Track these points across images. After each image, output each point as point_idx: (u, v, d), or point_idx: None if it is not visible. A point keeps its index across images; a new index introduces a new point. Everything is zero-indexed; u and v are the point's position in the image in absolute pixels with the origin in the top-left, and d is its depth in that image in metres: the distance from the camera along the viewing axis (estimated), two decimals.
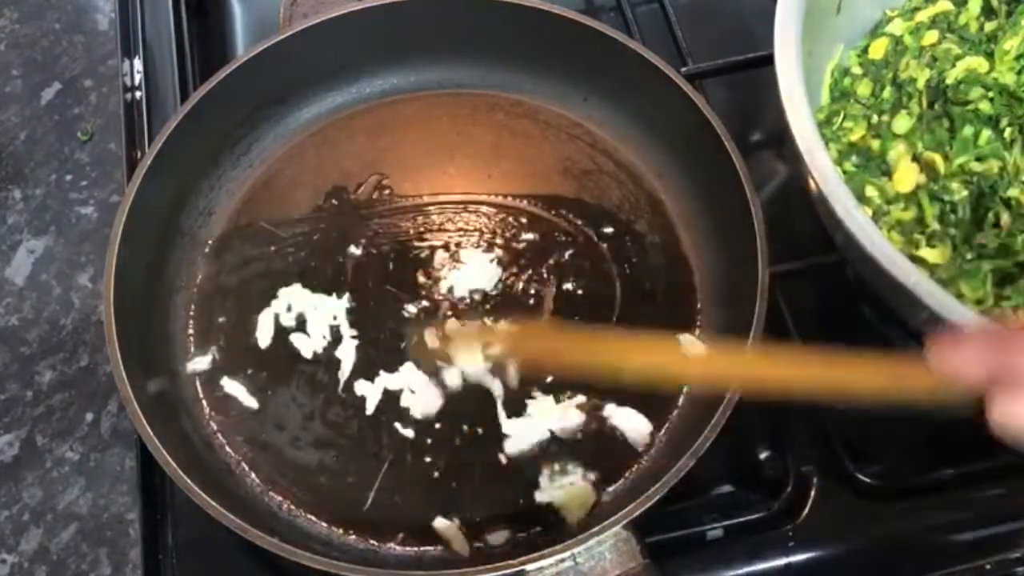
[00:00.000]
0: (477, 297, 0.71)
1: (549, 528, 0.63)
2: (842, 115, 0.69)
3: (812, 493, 0.66)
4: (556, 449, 0.66)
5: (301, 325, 0.71)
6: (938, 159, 0.65)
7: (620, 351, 0.56)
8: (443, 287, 0.72)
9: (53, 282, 0.92)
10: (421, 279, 0.72)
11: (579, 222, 0.74)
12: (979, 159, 0.65)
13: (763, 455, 0.68)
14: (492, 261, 0.72)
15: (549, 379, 0.68)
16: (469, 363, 0.68)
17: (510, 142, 0.78)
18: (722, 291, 0.70)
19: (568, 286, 0.72)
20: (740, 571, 0.65)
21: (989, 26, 0.71)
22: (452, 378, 0.68)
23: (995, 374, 0.36)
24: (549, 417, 0.67)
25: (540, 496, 0.64)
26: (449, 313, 0.71)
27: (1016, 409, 0.35)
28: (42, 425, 0.85)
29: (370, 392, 0.68)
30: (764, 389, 0.51)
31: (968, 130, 0.66)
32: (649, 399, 0.67)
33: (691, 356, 0.57)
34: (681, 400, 0.68)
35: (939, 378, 0.38)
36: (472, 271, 0.72)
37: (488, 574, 0.55)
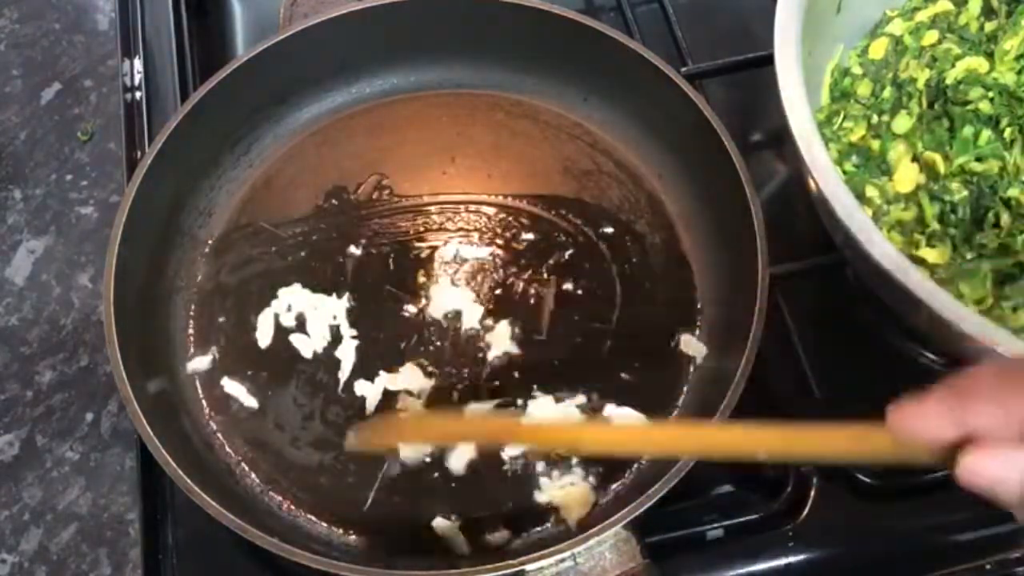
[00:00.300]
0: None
1: (549, 528, 0.64)
2: (842, 115, 0.70)
3: (812, 493, 0.66)
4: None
5: (301, 325, 0.71)
6: (938, 159, 0.65)
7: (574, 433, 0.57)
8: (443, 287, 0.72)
9: (53, 282, 0.92)
10: (421, 279, 0.72)
11: (579, 222, 0.74)
12: (979, 159, 0.65)
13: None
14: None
15: (549, 379, 0.68)
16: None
17: (510, 142, 0.78)
18: (722, 291, 0.70)
19: (568, 286, 0.72)
20: (740, 571, 0.65)
21: (989, 26, 0.71)
22: None
23: (953, 435, 0.37)
24: (549, 417, 0.66)
25: (540, 496, 0.64)
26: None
27: (976, 468, 0.37)
28: (42, 425, 0.85)
29: (370, 392, 0.68)
30: (729, 457, 0.54)
31: (968, 130, 0.66)
32: (649, 399, 0.67)
33: (651, 432, 0.56)
34: (681, 400, 0.68)
35: (902, 442, 0.39)
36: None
37: (488, 574, 0.55)
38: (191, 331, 0.71)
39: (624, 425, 0.54)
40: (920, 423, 0.38)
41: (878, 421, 0.40)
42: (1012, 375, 0.37)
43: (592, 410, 0.67)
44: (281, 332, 0.71)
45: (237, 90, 0.73)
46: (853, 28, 0.73)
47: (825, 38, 0.69)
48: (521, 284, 0.72)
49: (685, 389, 0.68)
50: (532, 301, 0.71)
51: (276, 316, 0.71)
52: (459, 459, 0.65)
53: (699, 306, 0.71)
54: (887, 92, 0.70)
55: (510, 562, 0.55)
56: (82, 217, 0.95)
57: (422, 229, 0.75)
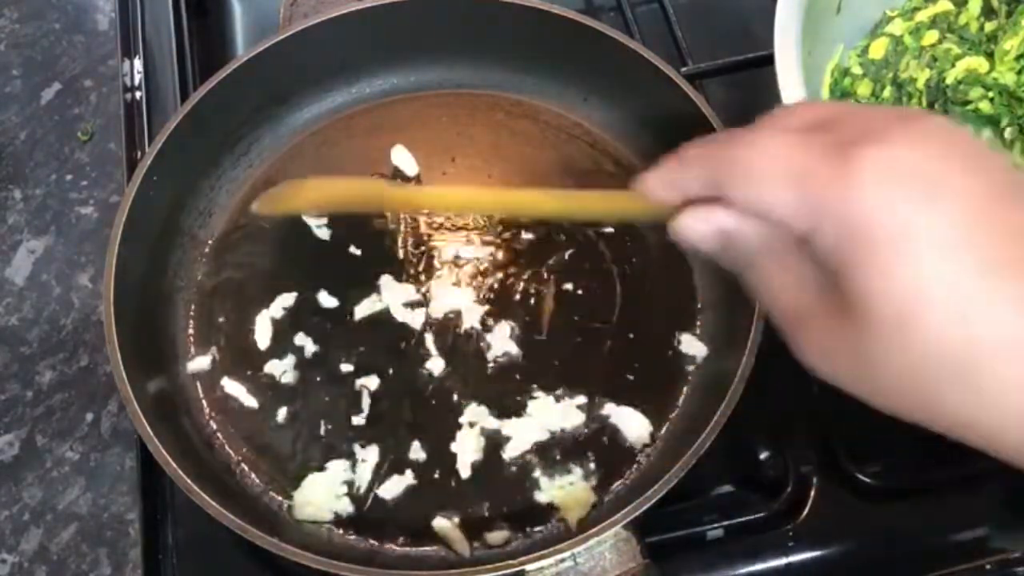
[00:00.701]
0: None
1: (549, 528, 0.64)
2: None
3: (812, 493, 0.66)
4: (556, 449, 0.66)
5: (301, 325, 0.71)
6: None
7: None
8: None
9: (53, 282, 0.92)
10: (421, 279, 0.72)
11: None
12: None
13: (763, 455, 0.68)
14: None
15: (549, 379, 0.68)
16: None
17: (510, 142, 0.78)
18: (722, 291, 0.70)
19: (568, 286, 0.72)
20: (740, 571, 0.65)
21: (989, 26, 0.71)
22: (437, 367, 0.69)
23: (675, 197, 0.42)
24: (549, 417, 0.67)
25: (540, 496, 0.64)
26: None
27: (678, 227, 0.42)
28: (42, 425, 0.85)
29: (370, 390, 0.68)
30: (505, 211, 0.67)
31: (968, 130, 0.66)
32: (649, 399, 0.67)
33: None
34: (681, 400, 0.68)
35: (645, 204, 0.44)
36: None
37: (488, 574, 0.55)
38: (191, 331, 0.71)
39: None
40: (652, 186, 0.43)
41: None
42: (716, 138, 0.41)
43: (592, 410, 0.67)
44: (281, 332, 0.71)
45: (237, 90, 0.73)
46: (853, 28, 0.73)
47: (825, 38, 0.69)
48: (521, 284, 0.72)
49: (685, 389, 0.68)
50: (532, 301, 0.71)
51: (276, 316, 0.71)
52: (463, 460, 0.65)
53: (699, 306, 0.71)
54: (887, 92, 0.70)
55: (510, 562, 0.55)
56: (82, 217, 0.95)
57: (422, 229, 0.75)
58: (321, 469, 0.66)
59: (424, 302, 0.71)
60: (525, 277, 0.72)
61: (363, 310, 0.71)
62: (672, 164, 0.43)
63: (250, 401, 0.68)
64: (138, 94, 0.82)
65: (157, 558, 0.66)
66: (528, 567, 0.55)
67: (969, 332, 0.32)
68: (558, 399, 0.67)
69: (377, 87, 0.80)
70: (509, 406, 0.67)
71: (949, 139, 0.35)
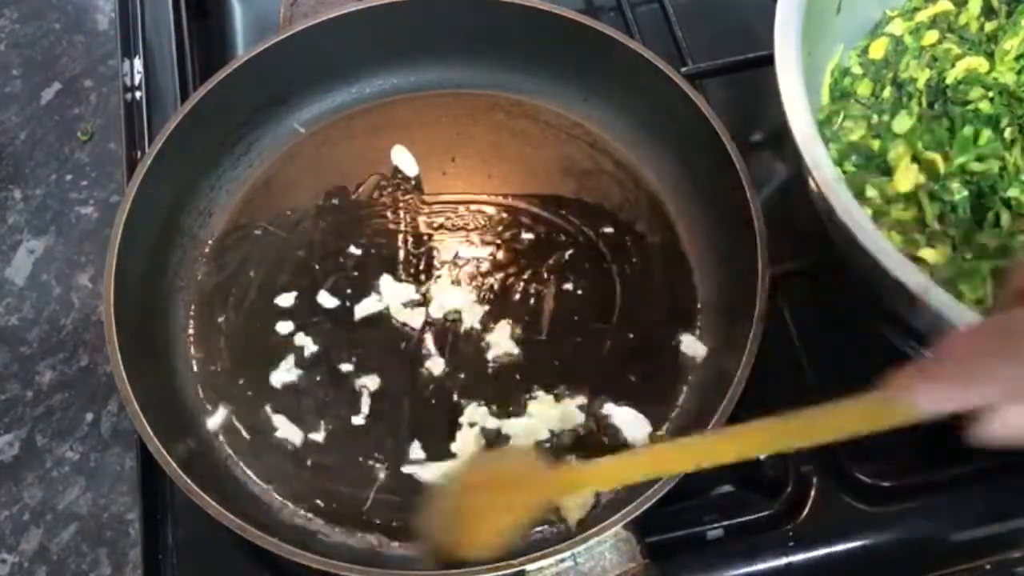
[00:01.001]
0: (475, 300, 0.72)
1: (549, 528, 0.63)
2: (842, 115, 0.69)
3: (812, 493, 0.66)
4: (556, 449, 0.66)
5: (302, 325, 0.71)
6: (938, 159, 0.65)
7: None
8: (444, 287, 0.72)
9: (53, 282, 0.92)
10: (421, 279, 0.72)
11: (579, 222, 0.74)
12: (979, 159, 0.65)
13: (763, 455, 0.68)
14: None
15: (549, 378, 0.68)
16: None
17: (510, 142, 0.78)
18: (722, 291, 0.70)
19: (568, 286, 0.72)
20: (740, 571, 0.65)
21: (989, 26, 0.71)
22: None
23: (958, 407, 0.39)
24: (549, 417, 0.66)
25: None
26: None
27: (988, 436, 0.39)
28: (42, 425, 0.85)
29: (370, 390, 0.68)
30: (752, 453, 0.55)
31: (968, 130, 0.66)
32: (649, 399, 0.67)
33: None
34: (681, 400, 0.68)
35: (906, 412, 0.41)
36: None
37: (488, 574, 0.55)
38: (191, 331, 0.71)
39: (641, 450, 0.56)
40: (927, 402, 0.40)
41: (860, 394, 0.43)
42: (991, 345, 0.39)
43: (592, 410, 0.67)
44: (282, 332, 0.71)
45: (237, 90, 0.73)
46: (853, 28, 0.73)
47: (825, 38, 0.69)
48: (521, 284, 0.72)
49: (685, 389, 0.68)
50: (532, 301, 0.71)
51: (276, 316, 0.71)
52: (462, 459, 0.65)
53: (699, 306, 0.71)
54: (887, 92, 0.70)
55: (510, 562, 0.55)
56: (82, 217, 0.95)
57: (422, 229, 0.75)
58: (323, 467, 0.66)
59: (424, 302, 0.71)
60: (525, 277, 0.72)
61: (363, 310, 0.71)
62: (951, 378, 0.40)
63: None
64: (138, 94, 0.82)
65: (157, 558, 0.66)
66: (528, 567, 0.55)
67: None
68: (558, 399, 0.67)
69: (377, 87, 0.80)
70: (509, 406, 0.67)
71: None
